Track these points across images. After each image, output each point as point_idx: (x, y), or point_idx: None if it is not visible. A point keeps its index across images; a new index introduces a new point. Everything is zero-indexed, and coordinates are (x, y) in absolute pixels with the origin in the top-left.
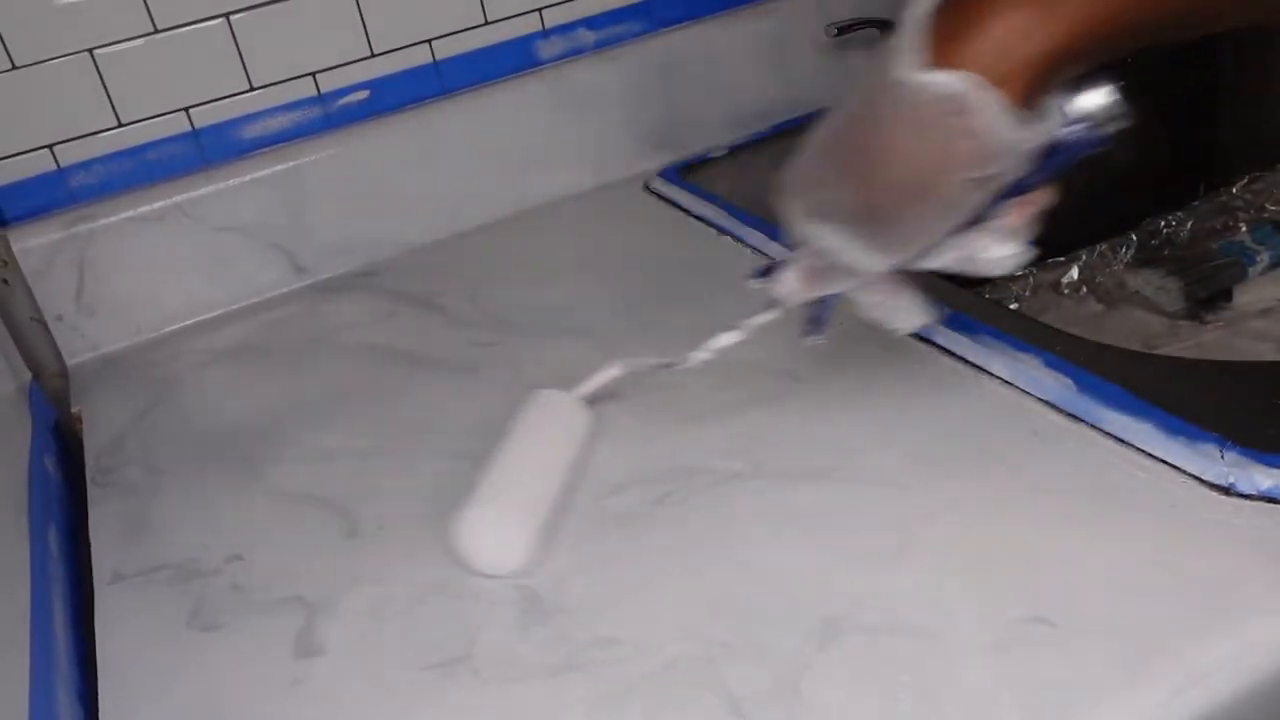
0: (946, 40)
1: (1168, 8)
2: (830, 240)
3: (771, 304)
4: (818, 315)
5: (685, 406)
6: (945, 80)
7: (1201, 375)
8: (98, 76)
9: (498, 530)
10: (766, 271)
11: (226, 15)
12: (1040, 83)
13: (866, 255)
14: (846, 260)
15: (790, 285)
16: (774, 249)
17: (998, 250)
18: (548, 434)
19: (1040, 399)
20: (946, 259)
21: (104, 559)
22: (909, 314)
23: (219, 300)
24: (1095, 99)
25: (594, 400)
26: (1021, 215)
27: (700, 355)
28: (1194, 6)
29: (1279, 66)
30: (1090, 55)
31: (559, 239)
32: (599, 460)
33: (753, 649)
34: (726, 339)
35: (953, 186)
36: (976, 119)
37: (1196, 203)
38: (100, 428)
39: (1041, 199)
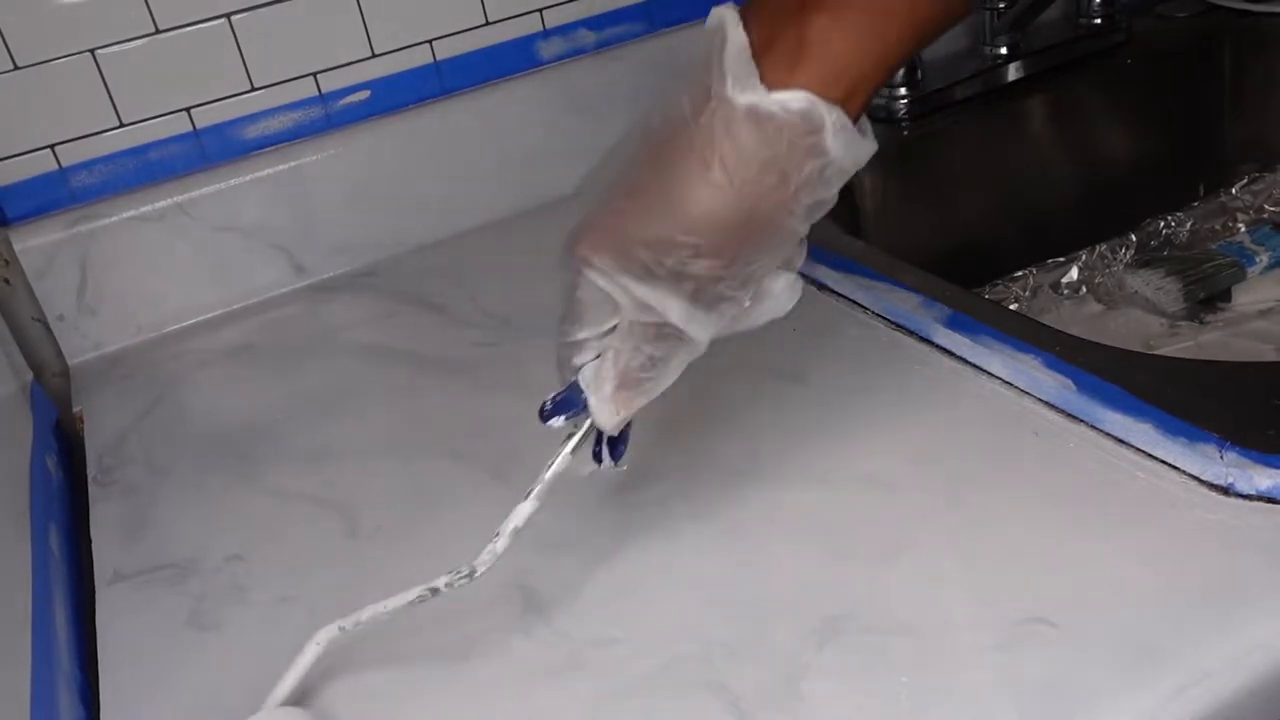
0: (780, 66)
1: (941, 16)
2: (661, 301)
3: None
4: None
5: (686, 406)
6: (799, 98)
7: (1201, 376)
8: (99, 76)
9: None
10: (559, 404)
11: (228, 15)
12: (869, 98)
13: (698, 317)
14: (683, 326)
15: (606, 397)
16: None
17: (783, 280)
18: None
19: (1040, 399)
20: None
21: (105, 558)
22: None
23: (220, 300)
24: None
25: None
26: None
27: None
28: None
29: (1279, 67)
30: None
31: (559, 239)
32: None
33: (753, 649)
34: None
35: (795, 213)
36: (826, 137)
37: (1196, 203)
38: (101, 427)
39: None
